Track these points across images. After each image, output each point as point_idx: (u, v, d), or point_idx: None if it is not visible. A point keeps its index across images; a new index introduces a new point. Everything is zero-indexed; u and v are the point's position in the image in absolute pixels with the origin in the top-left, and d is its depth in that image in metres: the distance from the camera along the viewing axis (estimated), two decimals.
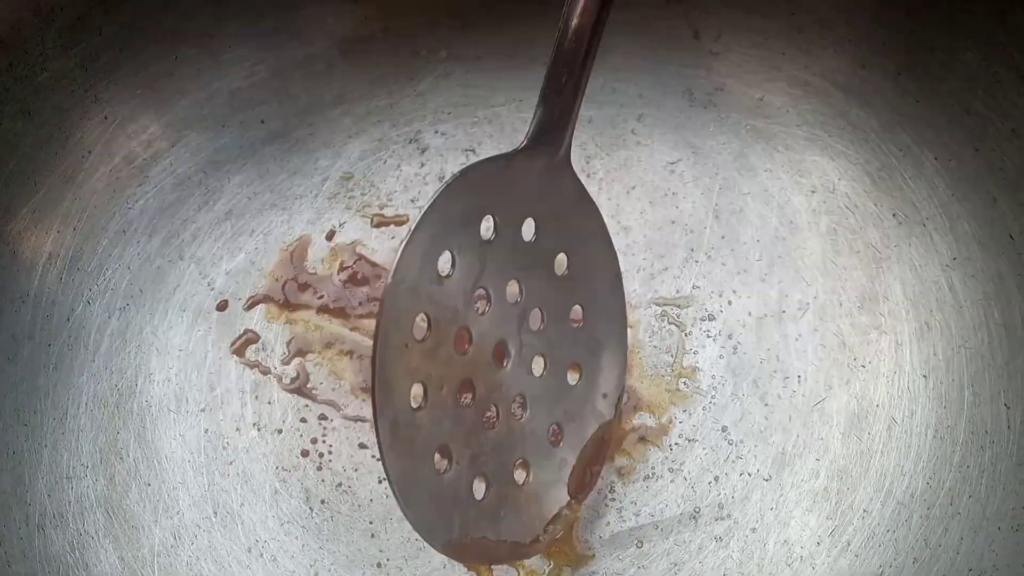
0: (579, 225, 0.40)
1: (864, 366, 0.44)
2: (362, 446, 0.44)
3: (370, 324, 0.46)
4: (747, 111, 0.49)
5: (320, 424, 0.45)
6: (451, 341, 0.35)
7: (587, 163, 0.49)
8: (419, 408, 0.34)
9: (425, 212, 0.33)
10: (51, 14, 0.43)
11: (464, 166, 0.35)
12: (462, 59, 0.50)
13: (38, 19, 0.43)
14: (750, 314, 0.46)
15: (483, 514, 0.37)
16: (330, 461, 0.44)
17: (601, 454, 0.41)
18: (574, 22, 0.36)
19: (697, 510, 0.43)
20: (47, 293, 0.45)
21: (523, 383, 0.38)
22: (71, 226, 0.46)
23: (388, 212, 0.49)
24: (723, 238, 0.47)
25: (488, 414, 0.37)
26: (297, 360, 0.46)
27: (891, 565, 0.40)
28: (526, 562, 0.42)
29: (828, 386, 0.44)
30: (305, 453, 0.44)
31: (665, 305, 0.46)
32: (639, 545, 0.42)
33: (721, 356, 0.45)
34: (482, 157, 0.37)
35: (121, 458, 0.44)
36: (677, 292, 0.47)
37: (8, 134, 0.43)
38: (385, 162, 0.50)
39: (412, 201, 0.49)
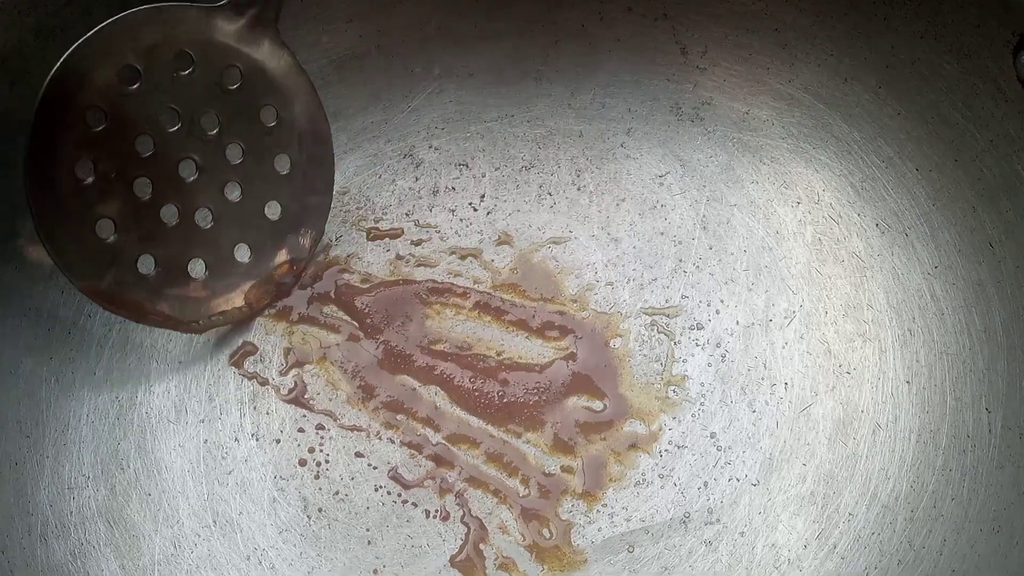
0: (287, 87, 0.45)
1: (849, 372, 0.45)
2: (358, 455, 0.45)
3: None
4: (733, 124, 0.50)
5: (317, 434, 0.46)
6: (131, 140, 0.41)
7: (577, 176, 0.50)
8: (84, 180, 0.41)
9: (106, 24, 0.39)
10: (52, 34, 0.44)
11: (157, 4, 0.40)
12: (454, 76, 0.51)
13: (39, 39, 0.44)
14: (737, 323, 0.47)
15: (143, 283, 0.43)
16: (327, 470, 0.45)
17: (284, 284, 0.47)
18: None
19: (687, 515, 0.43)
20: (48, 307, 0.45)
21: (213, 200, 0.44)
22: None
23: (383, 225, 0.50)
24: (711, 248, 0.48)
25: (165, 210, 0.43)
26: (294, 371, 0.47)
27: (876, 567, 0.41)
28: (519, 566, 0.42)
29: (814, 392, 0.45)
30: (303, 462, 0.45)
31: (654, 314, 0.47)
32: (630, 550, 0.43)
33: (709, 364, 0.46)
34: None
35: (122, 468, 0.44)
36: (666, 302, 0.47)
37: (10, 151, 0.44)
38: (380, 176, 0.50)
39: (407, 215, 0.50)
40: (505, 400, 0.46)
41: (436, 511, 0.44)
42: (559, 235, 0.49)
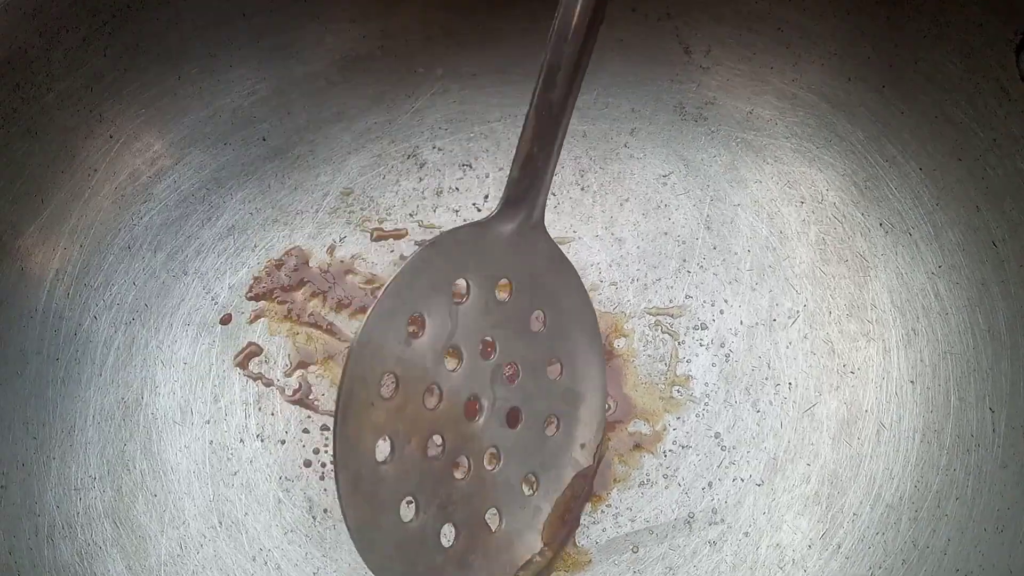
0: (555, 283, 0.41)
1: (853, 372, 0.45)
2: None
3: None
4: (737, 124, 0.50)
5: (322, 435, 0.46)
6: (419, 398, 0.37)
7: (581, 176, 0.50)
8: (385, 462, 0.36)
9: (395, 278, 0.35)
10: (56, 36, 0.44)
11: (435, 235, 0.37)
12: (458, 76, 0.51)
13: (43, 40, 0.44)
14: (741, 322, 0.47)
15: (450, 560, 0.38)
16: (332, 471, 0.45)
17: (579, 502, 0.42)
18: (551, 95, 0.37)
19: (691, 515, 0.43)
20: (54, 308, 0.46)
21: (497, 436, 0.39)
22: (78, 243, 0.46)
23: (387, 226, 0.50)
24: (714, 248, 0.48)
25: (458, 465, 0.38)
26: (299, 372, 0.47)
27: (880, 567, 0.41)
28: None
29: (818, 392, 0.45)
30: (308, 463, 0.45)
31: (658, 315, 0.47)
32: (635, 550, 0.43)
33: (713, 364, 0.46)
34: (455, 226, 0.38)
35: (128, 469, 0.45)
36: (670, 302, 0.47)
37: (15, 153, 0.44)
38: (384, 177, 0.51)
39: (411, 215, 0.50)
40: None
41: None
42: (563, 235, 0.49)
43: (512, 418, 0.40)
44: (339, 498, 0.34)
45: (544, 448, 0.41)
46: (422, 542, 0.37)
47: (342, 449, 0.34)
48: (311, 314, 0.48)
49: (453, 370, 0.38)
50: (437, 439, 0.38)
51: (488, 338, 0.39)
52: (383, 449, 0.36)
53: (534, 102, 0.37)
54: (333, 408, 0.35)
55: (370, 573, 0.42)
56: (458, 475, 0.39)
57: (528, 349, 0.40)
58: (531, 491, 0.41)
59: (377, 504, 0.35)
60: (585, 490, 0.42)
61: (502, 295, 0.39)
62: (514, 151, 0.38)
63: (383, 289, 0.35)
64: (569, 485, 0.42)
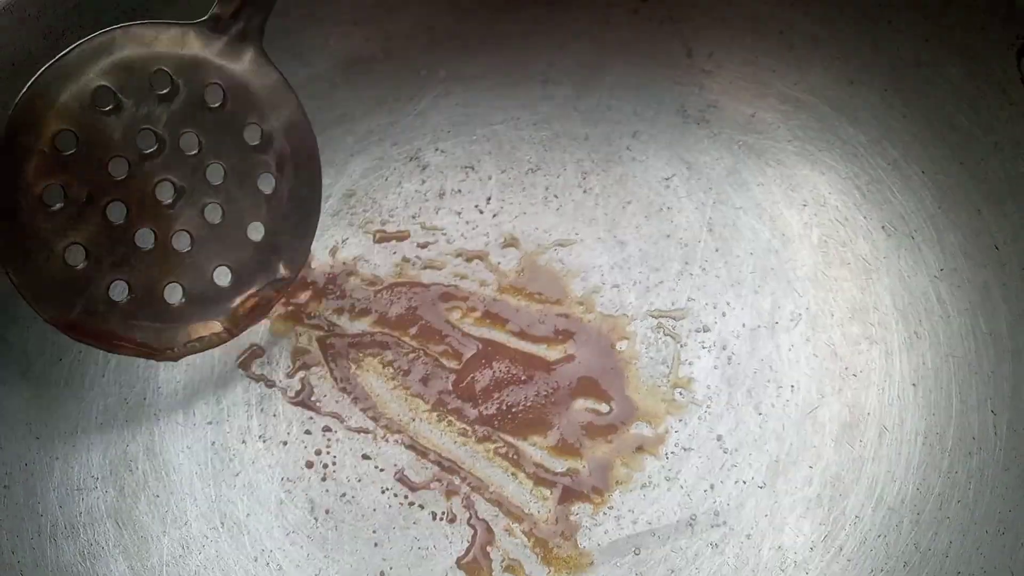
0: (272, 104, 0.43)
1: (855, 375, 0.45)
2: (365, 457, 0.45)
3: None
4: (739, 127, 0.50)
5: (324, 436, 0.46)
6: (103, 164, 0.40)
7: (583, 179, 0.50)
8: (52, 206, 0.40)
9: (77, 45, 0.38)
10: (62, 37, 0.44)
11: (134, 23, 0.40)
12: (460, 78, 0.51)
13: (48, 43, 0.44)
14: (744, 325, 0.47)
15: (115, 311, 0.42)
16: (334, 472, 0.45)
17: (268, 303, 0.46)
18: None
19: (693, 517, 0.43)
20: None
21: (191, 223, 0.43)
22: None
23: (390, 228, 0.50)
24: (717, 251, 0.48)
25: (140, 234, 0.42)
26: (301, 373, 0.47)
27: (882, 569, 0.41)
28: (526, 568, 0.43)
29: (820, 395, 0.45)
30: (310, 464, 0.45)
31: (660, 317, 0.47)
32: (637, 552, 0.43)
33: (716, 367, 0.46)
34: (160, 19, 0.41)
35: (130, 470, 0.45)
36: (672, 304, 0.47)
37: None
38: (387, 179, 0.51)
39: (413, 217, 0.50)
40: (510, 404, 0.46)
41: (443, 513, 0.44)
42: (565, 238, 0.49)
43: (214, 214, 0.43)
44: None
45: (244, 249, 0.44)
46: (86, 287, 0.41)
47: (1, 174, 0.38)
48: (314, 316, 0.48)
49: (150, 152, 0.41)
50: (121, 207, 0.41)
51: (192, 134, 0.42)
52: (53, 194, 0.39)
53: None
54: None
55: (376, 571, 0.42)
56: (140, 243, 0.42)
57: (239, 158, 0.43)
58: (224, 282, 0.44)
59: (38, 237, 0.39)
60: (276, 296, 0.46)
61: (212, 101, 0.42)
62: None
63: (70, 48, 0.38)
64: (262, 288, 0.45)
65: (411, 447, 0.45)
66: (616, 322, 0.47)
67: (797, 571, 0.42)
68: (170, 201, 0.42)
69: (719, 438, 0.45)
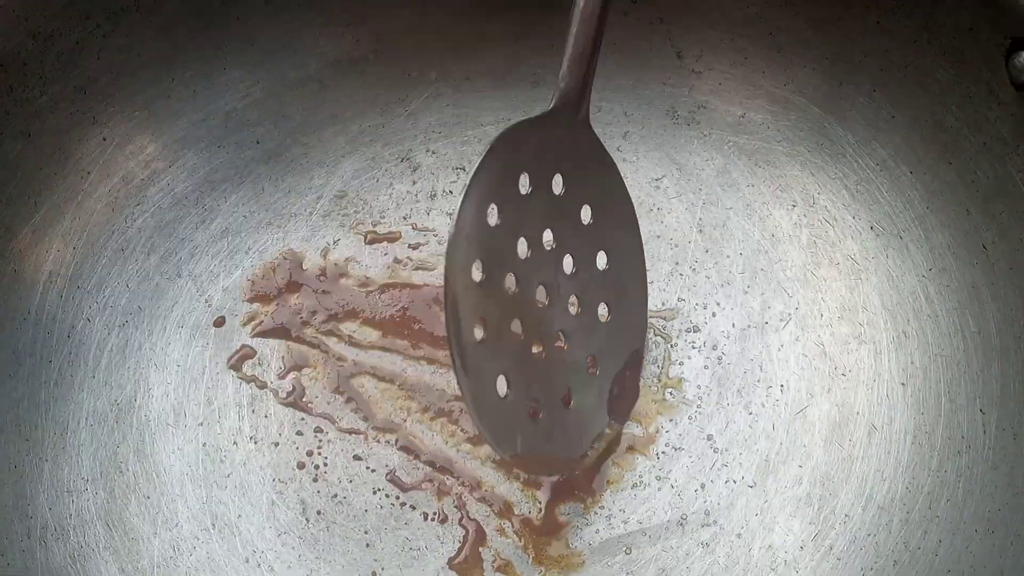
0: (600, 179, 0.43)
1: (844, 375, 0.45)
2: (356, 458, 0.45)
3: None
4: (729, 128, 0.50)
5: (316, 437, 0.46)
6: (502, 284, 0.39)
7: None
8: (482, 341, 0.38)
9: (476, 170, 0.37)
10: (50, 38, 0.44)
11: (503, 128, 0.39)
12: (452, 80, 0.51)
13: (37, 43, 0.44)
14: (734, 325, 0.47)
15: (538, 433, 0.41)
16: (325, 473, 0.45)
17: (635, 379, 0.45)
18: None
19: (684, 517, 0.44)
20: (47, 310, 0.46)
21: (562, 321, 0.42)
22: (71, 245, 0.47)
23: (381, 229, 0.50)
24: (707, 251, 0.48)
25: (535, 348, 0.41)
26: (293, 374, 0.47)
27: (872, 568, 0.41)
28: (517, 568, 0.43)
29: (810, 394, 0.45)
30: (301, 465, 0.45)
31: (651, 317, 0.47)
32: (628, 552, 0.43)
33: (706, 367, 0.46)
34: (514, 121, 0.40)
35: (121, 472, 0.45)
36: (663, 304, 0.48)
37: (8, 155, 0.44)
38: (378, 180, 0.51)
39: (404, 218, 0.50)
40: None
41: (434, 513, 0.44)
42: None
43: (572, 305, 0.43)
44: (456, 375, 0.37)
45: (600, 332, 0.44)
46: (516, 415, 0.40)
47: (453, 330, 0.37)
48: (304, 318, 0.48)
49: (525, 259, 0.40)
50: (517, 323, 0.40)
51: (548, 229, 0.41)
52: (479, 330, 0.38)
53: (577, 4, 0.40)
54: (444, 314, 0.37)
55: (368, 572, 0.42)
56: (536, 357, 0.41)
57: (579, 241, 0.43)
58: (595, 371, 0.43)
59: (481, 380, 0.38)
60: (638, 364, 0.45)
61: (556, 189, 0.41)
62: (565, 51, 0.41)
63: (470, 176, 0.37)
64: (626, 364, 0.44)
65: (402, 448, 0.45)
66: None
67: (787, 570, 0.42)
68: (545, 304, 0.42)
69: (709, 438, 0.45)
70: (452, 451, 0.45)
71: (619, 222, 0.44)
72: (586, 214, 0.43)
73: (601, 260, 0.43)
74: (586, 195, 0.43)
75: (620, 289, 0.44)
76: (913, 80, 0.45)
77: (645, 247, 0.48)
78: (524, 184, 0.40)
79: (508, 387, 0.39)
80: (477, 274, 0.38)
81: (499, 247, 0.39)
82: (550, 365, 0.42)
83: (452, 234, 0.37)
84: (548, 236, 0.41)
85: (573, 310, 0.43)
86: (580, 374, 0.43)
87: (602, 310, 0.44)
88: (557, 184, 0.41)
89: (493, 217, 0.38)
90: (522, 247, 0.40)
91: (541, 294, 0.41)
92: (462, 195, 0.37)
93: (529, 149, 0.40)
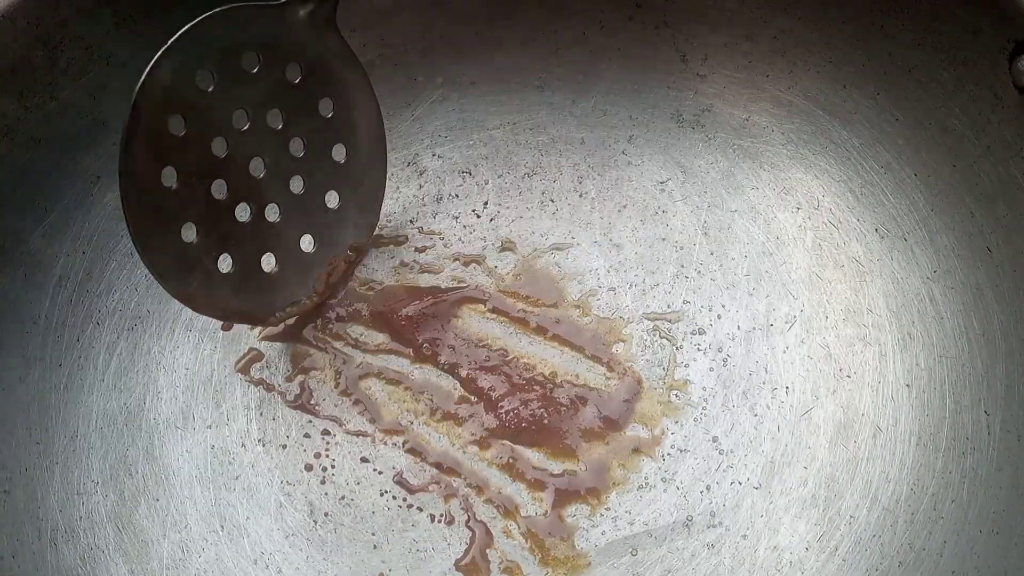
0: (343, 78, 0.46)
1: (849, 376, 0.45)
2: (364, 460, 0.45)
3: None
4: (733, 131, 0.50)
5: (323, 439, 0.46)
6: (207, 143, 0.42)
7: (579, 183, 0.50)
8: (170, 187, 0.41)
9: (185, 30, 0.39)
10: (60, 45, 0.44)
11: (229, 6, 0.41)
12: (457, 84, 0.51)
13: (47, 50, 0.44)
14: (739, 327, 0.47)
15: (225, 282, 0.44)
16: (333, 475, 0.45)
17: (348, 269, 0.49)
18: None
19: (690, 518, 0.44)
20: (57, 315, 0.46)
21: (278, 194, 0.45)
22: (80, 249, 0.47)
23: (388, 232, 0.50)
24: (712, 254, 0.49)
25: (239, 208, 0.44)
26: (300, 377, 0.47)
27: (877, 569, 0.41)
28: (524, 570, 0.43)
29: (815, 396, 0.45)
30: (309, 467, 0.45)
31: (656, 320, 0.47)
32: (634, 553, 0.43)
33: (711, 369, 0.46)
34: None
35: (130, 474, 0.45)
36: (668, 307, 0.48)
37: (19, 161, 0.45)
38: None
39: (411, 222, 0.50)
40: (508, 408, 0.46)
41: (441, 515, 0.44)
42: (562, 241, 0.49)
43: (296, 184, 0.46)
44: (123, 208, 0.39)
45: (323, 216, 0.47)
46: (199, 261, 0.43)
47: (126, 163, 0.39)
48: (313, 321, 0.48)
49: (242, 129, 0.43)
50: (222, 184, 0.43)
51: (276, 110, 0.44)
52: (169, 175, 0.41)
53: None
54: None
55: (375, 573, 0.43)
56: (239, 217, 0.44)
57: (315, 130, 0.46)
58: (310, 248, 0.47)
59: (159, 220, 0.41)
60: (356, 259, 0.49)
61: (292, 77, 0.44)
62: None
63: (182, 31, 0.39)
64: (344, 251, 0.48)
65: (410, 450, 0.45)
66: (612, 325, 0.47)
67: (793, 571, 0.42)
68: (261, 175, 0.44)
69: (715, 439, 0.45)
70: (459, 453, 0.45)
71: (363, 121, 0.47)
72: (326, 107, 0.46)
73: (338, 152, 0.47)
74: (327, 90, 0.45)
75: (354, 182, 0.48)
76: (917, 83, 0.45)
77: (650, 250, 0.49)
78: (250, 62, 0.42)
79: (197, 234, 0.42)
80: (176, 127, 0.40)
81: (208, 111, 0.41)
82: (255, 229, 0.45)
83: (144, 79, 0.38)
84: (275, 116, 0.44)
85: (296, 189, 0.46)
86: (290, 247, 0.47)
87: (330, 198, 0.47)
88: (293, 72, 0.44)
89: (207, 82, 0.41)
90: (240, 118, 0.43)
91: (258, 166, 0.44)
92: (164, 46, 0.39)
93: (259, 31, 0.42)
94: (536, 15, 0.50)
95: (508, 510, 0.44)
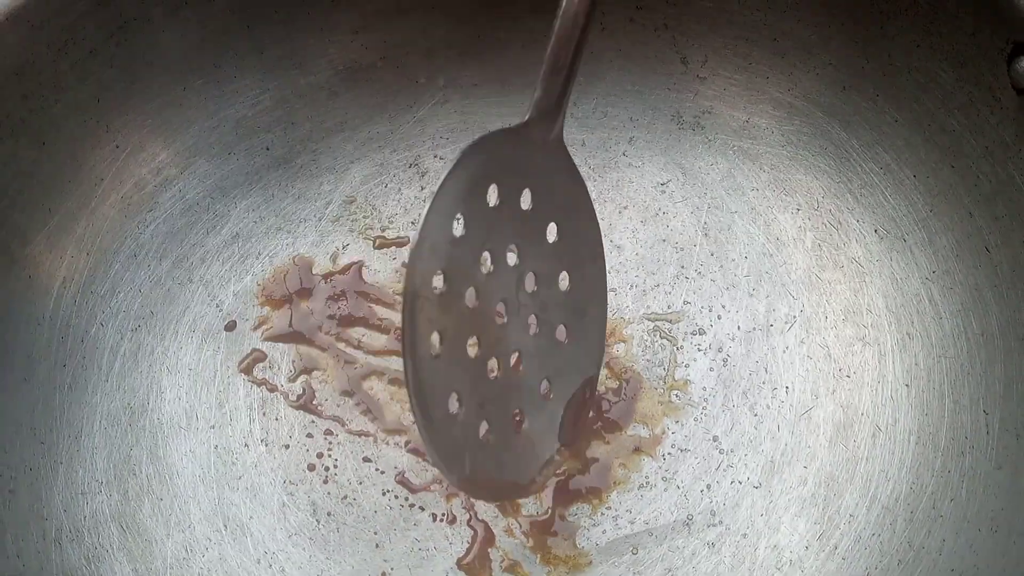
0: (568, 198, 0.42)
1: (849, 376, 0.46)
2: (366, 460, 0.46)
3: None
4: (734, 133, 0.50)
5: (326, 439, 0.46)
6: (462, 298, 0.38)
7: None
8: (437, 356, 0.36)
9: (445, 179, 0.36)
10: (64, 47, 0.45)
11: (475, 138, 0.37)
12: (459, 86, 0.52)
13: (51, 52, 0.44)
14: (739, 328, 0.47)
15: (488, 456, 0.39)
16: (336, 475, 0.45)
17: (587, 406, 0.44)
18: (571, 8, 0.39)
19: (690, 517, 0.44)
20: (62, 315, 0.46)
21: (520, 341, 0.40)
22: (84, 251, 0.47)
23: (390, 234, 0.50)
24: (712, 255, 0.49)
25: (490, 366, 0.39)
26: (303, 377, 0.47)
27: (876, 567, 0.41)
28: (525, 568, 0.43)
29: (815, 396, 0.46)
30: (311, 467, 0.46)
31: (657, 320, 0.48)
32: (634, 552, 0.43)
33: (711, 369, 0.47)
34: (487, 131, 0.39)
35: (134, 474, 0.45)
36: (668, 307, 0.48)
37: (23, 163, 0.45)
38: (386, 186, 0.51)
39: (413, 223, 0.50)
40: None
41: (443, 514, 0.44)
42: None
43: (531, 325, 0.41)
44: (408, 389, 0.35)
45: (557, 355, 0.42)
46: (467, 436, 0.38)
47: (409, 343, 0.35)
48: (314, 321, 0.48)
49: (488, 274, 0.38)
50: (474, 340, 0.38)
51: (513, 245, 0.40)
52: (435, 343, 0.36)
53: (558, 18, 0.39)
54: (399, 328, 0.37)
55: (377, 572, 0.43)
56: (491, 375, 0.39)
57: (543, 259, 0.41)
58: (547, 396, 0.42)
59: (433, 396, 0.36)
60: (591, 395, 0.44)
61: (524, 205, 0.40)
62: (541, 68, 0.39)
63: (439, 184, 0.35)
64: (579, 389, 0.43)
65: (412, 450, 0.46)
66: (613, 325, 0.48)
67: (792, 569, 0.42)
68: (504, 322, 0.40)
69: (715, 439, 0.45)
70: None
71: (585, 243, 0.43)
72: (552, 232, 0.41)
73: (563, 281, 0.42)
74: (553, 213, 0.41)
75: (580, 312, 0.43)
76: (916, 84, 0.45)
77: (650, 251, 0.49)
78: (492, 196, 0.38)
79: (460, 405, 0.38)
80: (439, 285, 0.36)
81: (462, 259, 0.37)
82: (504, 385, 0.40)
83: (416, 242, 0.35)
84: (513, 252, 0.40)
85: (531, 330, 0.41)
86: (533, 397, 0.42)
87: (560, 332, 0.42)
88: (526, 199, 0.40)
89: (459, 228, 0.37)
90: (486, 261, 0.38)
91: (501, 311, 0.40)
92: (428, 202, 0.35)
93: (500, 161, 0.38)
94: (538, 17, 0.50)
95: (509, 509, 0.44)
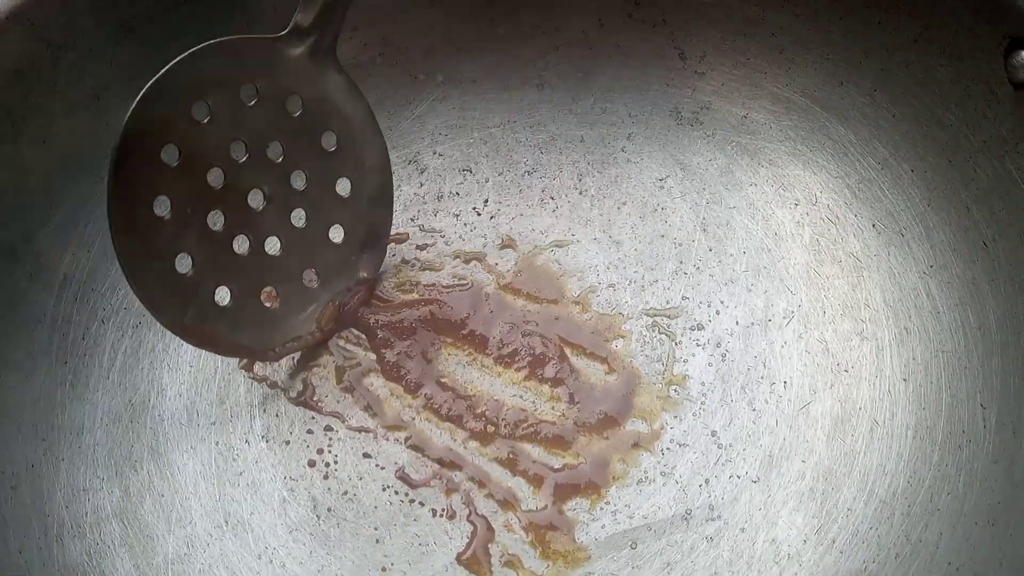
0: (346, 112, 0.45)
1: (847, 371, 0.46)
2: (366, 455, 0.46)
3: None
4: (732, 128, 0.50)
5: (326, 435, 0.46)
6: (202, 174, 0.42)
7: (579, 180, 0.51)
8: (162, 217, 0.41)
9: (175, 62, 0.39)
10: (64, 47, 0.45)
11: (223, 39, 0.41)
12: (458, 83, 0.52)
13: (52, 51, 0.44)
14: (737, 323, 0.47)
15: (221, 315, 0.44)
16: (336, 470, 0.46)
17: (357, 302, 0.48)
18: None
19: (688, 512, 0.44)
20: (63, 313, 0.46)
21: (280, 227, 0.45)
22: (86, 248, 0.47)
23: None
24: (711, 250, 0.49)
25: (237, 240, 0.44)
26: (303, 374, 0.48)
27: (874, 561, 0.42)
28: (525, 563, 0.43)
29: (813, 390, 0.46)
30: (312, 463, 0.46)
31: (656, 315, 0.48)
32: (633, 546, 0.44)
33: (710, 364, 0.47)
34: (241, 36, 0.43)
35: (135, 470, 0.45)
36: (667, 303, 0.48)
37: (25, 161, 0.45)
38: None
39: (412, 220, 0.51)
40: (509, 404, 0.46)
41: (443, 510, 0.45)
42: (562, 238, 0.50)
43: (298, 218, 0.46)
44: (111, 237, 0.39)
45: (327, 251, 0.47)
46: (195, 293, 0.43)
47: (115, 191, 0.39)
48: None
49: (240, 161, 0.43)
50: (219, 215, 0.43)
51: (276, 143, 0.44)
52: (162, 205, 0.41)
53: None
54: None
55: (377, 568, 0.43)
56: (237, 249, 0.44)
57: (318, 164, 0.45)
58: (312, 283, 0.47)
59: (152, 248, 0.41)
60: (365, 296, 0.48)
61: (292, 110, 0.44)
62: None
63: (175, 61, 0.39)
64: (351, 287, 0.48)
65: (411, 446, 0.46)
66: (612, 321, 0.48)
67: (791, 563, 0.42)
68: (261, 208, 0.44)
69: (713, 434, 0.45)
70: (460, 448, 0.46)
71: (368, 155, 0.47)
72: (329, 141, 0.45)
73: (342, 187, 0.46)
74: (330, 123, 0.45)
75: (360, 217, 0.47)
76: (913, 79, 0.45)
77: (649, 246, 0.49)
78: (248, 93, 0.42)
79: (193, 266, 0.42)
80: (170, 157, 0.40)
81: (204, 142, 0.41)
82: (256, 263, 0.44)
83: (135, 108, 0.39)
84: (276, 149, 0.44)
85: (298, 223, 0.45)
86: (293, 281, 0.46)
87: (335, 232, 0.47)
88: (294, 105, 0.44)
89: (203, 113, 0.41)
90: (238, 150, 0.43)
91: (256, 198, 0.44)
92: (156, 76, 0.39)
93: (257, 63, 0.42)
94: (536, 13, 0.51)
95: (509, 504, 0.44)
